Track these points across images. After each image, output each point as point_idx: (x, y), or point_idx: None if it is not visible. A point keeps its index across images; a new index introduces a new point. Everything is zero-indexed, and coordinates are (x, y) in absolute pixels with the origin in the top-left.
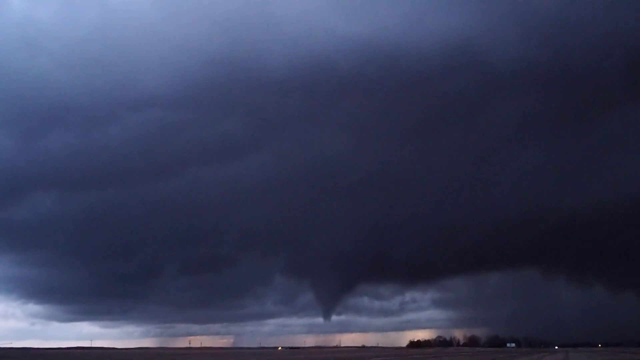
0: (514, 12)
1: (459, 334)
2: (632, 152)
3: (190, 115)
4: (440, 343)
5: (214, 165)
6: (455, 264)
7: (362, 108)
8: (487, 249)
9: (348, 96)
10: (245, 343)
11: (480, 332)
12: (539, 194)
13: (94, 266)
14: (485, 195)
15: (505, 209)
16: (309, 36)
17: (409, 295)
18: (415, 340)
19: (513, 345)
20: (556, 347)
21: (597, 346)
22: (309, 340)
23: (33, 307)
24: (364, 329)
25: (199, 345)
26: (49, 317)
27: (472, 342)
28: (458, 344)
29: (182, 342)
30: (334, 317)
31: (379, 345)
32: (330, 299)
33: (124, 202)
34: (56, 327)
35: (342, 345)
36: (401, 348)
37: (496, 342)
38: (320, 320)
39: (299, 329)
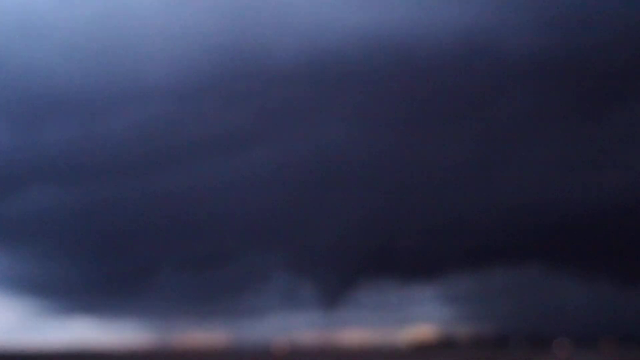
0: (528, 2)
1: (461, 330)
2: None
3: (193, 106)
4: (442, 338)
5: (216, 158)
6: (459, 258)
7: (369, 99)
8: (492, 242)
9: (356, 87)
10: (244, 339)
11: (484, 329)
12: (547, 186)
13: (90, 261)
14: (491, 188)
15: (512, 201)
16: (318, 27)
17: (411, 290)
18: (417, 335)
19: (517, 340)
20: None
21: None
22: (310, 336)
23: (28, 303)
24: (366, 325)
25: (197, 342)
26: (44, 313)
27: (475, 337)
28: (461, 340)
29: (180, 339)
30: (335, 313)
31: (381, 341)
32: (331, 293)
33: (122, 196)
34: (51, 323)
35: (342, 341)
36: (402, 343)
37: (500, 338)
38: (321, 316)
39: (299, 325)
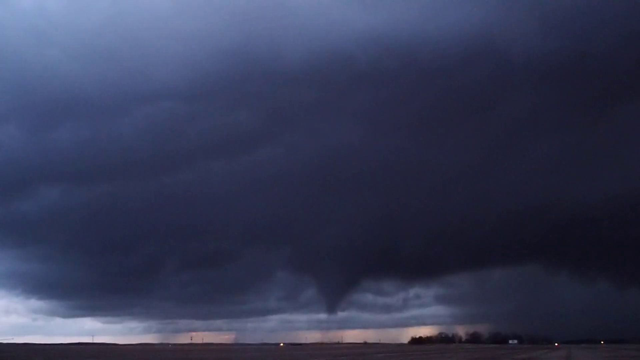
0: (532, 4)
1: (461, 331)
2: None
3: (202, 107)
4: (442, 339)
5: (223, 158)
6: (459, 260)
7: (375, 100)
8: (491, 244)
9: (362, 88)
10: (247, 339)
11: (483, 329)
12: (545, 188)
13: (97, 261)
14: (491, 190)
15: (511, 203)
16: (327, 29)
17: (412, 292)
18: (417, 336)
19: (515, 341)
20: (556, 344)
21: (599, 343)
22: (311, 337)
23: (35, 303)
24: (366, 326)
25: (200, 342)
26: (51, 313)
27: (474, 338)
28: (460, 341)
29: (184, 338)
30: (337, 313)
31: (381, 341)
32: (334, 294)
33: (128, 196)
34: (58, 322)
35: (343, 341)
36: (403, 344)
37: (498, 339)
38: (323, 316)
39: (301, 325)
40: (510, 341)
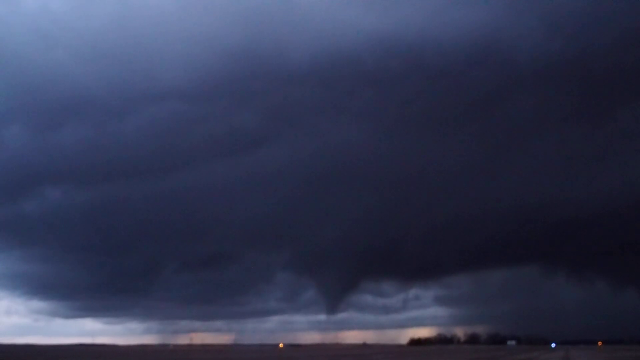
0: (537, 6)
1: (459, 332)
2: None
3: (206, 107)
4: (441, 340)
5: (226, 159)
6: (458, 261)
7: (380, 101)
8: (490, 245)
9: (367, 89)
10: (246, 340)
11: (481, 330)
12: (545, 189)
13: (98, 262)
14: (492, 191)
15: (511, 204)
16: (332, 29)
17: (411, 293)
18: (416, 337)
19: (514, 342)
20: (553, 345)
21: (597, 343)
22: (311, 338)
23: (37, 304)
24: (366, 327)
25: (200, 342)
26: (52, 314)
27: (472, 339)
28: (459, 342)
29: (184, 339)
30: (338, 315)
31: (380, 342)
32: (334, 295)
33: (131, 197)
34: (59, 323)
35: (342, 342)
36: (402, 345)
37: (497, 340)
38: (322, 317)
39: (301, 326)
40: (508, 342)
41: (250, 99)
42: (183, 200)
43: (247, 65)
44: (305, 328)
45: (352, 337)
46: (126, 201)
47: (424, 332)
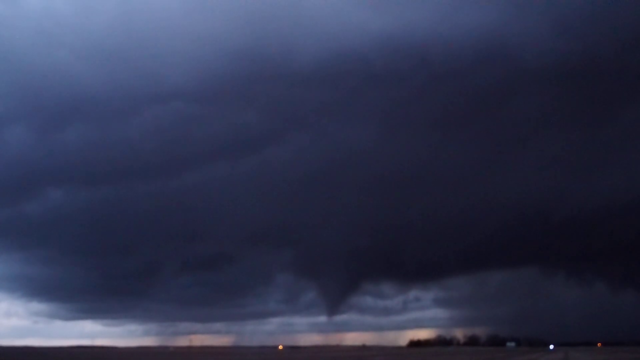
0: (545, 7)
1: (459, 333)
2: None
3: (211, 108)
4: (440, 342)
5: (228, 160)
6: (458, 262)
7: (385, 101)
8: (491, 246)
9: (373, 89)
10: (246, 342)
11: (481, 331)
12: (546, 191)
13: (97, 263)
14: (493, 192)
15: (512, 206)
16: (338, 31)
17: (411, 294)
18: (416, 339)
19: (513, 344)
20: (551, 347)
21: (597, 345)
22: (311, 339)
23: (36, 306)
24: (366, 328)
25: (200, 344)
26: (52, 316)
27: (472, 341)
28: (458, 344)
29: (183, 341)
30: (338, 317)
31: (380, 344)
32: (335, 296)
33: (132, 198)
34: (59, 325)
35: (342, 344)
36: (402, 347)
37: (496, 341)
38: (322, 319)
39: (301, 328)
40: (508, 344)
41: (254, 99)
42: (184, 201)
43: (253, 66)
44: (305, 330)
45: (351, 339)
46: (127, 202)
47: (423, 334)
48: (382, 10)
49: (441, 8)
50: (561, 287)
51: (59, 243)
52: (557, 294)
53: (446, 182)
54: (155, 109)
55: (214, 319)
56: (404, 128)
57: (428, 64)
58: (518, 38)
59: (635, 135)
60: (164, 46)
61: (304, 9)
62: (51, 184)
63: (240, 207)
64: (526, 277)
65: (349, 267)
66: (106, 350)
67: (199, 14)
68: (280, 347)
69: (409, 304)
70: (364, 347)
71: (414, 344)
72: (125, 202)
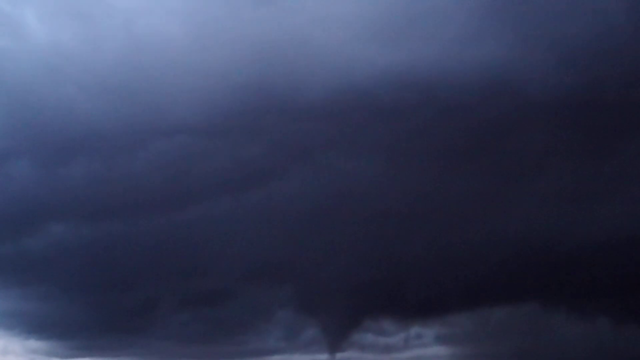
0: (551, 43)
1: None
2: None
3: (216, 142)
4: None
5: (231, 194)
6: (459, 298)
7: (391, 135)
8: (492, 282)
9: (378, 123)
10: None
11: None
12: (549, 226)
13: (96, 300)
14: (496, 227)
15: (513, 240)
16: (348, 66)
17: (413, 331)
18: None
19: None
20: None
21: None
22: None
23: (33, 343)
24: None
25: None
26: (49, 353)
27: None
28: None
29: None
30: (338, 355)
31: None
32: (336, 332)
33: (134, 233)
34: None
35: None
36: None
37: None
38: (323, 356)
39: None
40: None
41: (260, 133)
42: (185, 236)
43: (259, 101)
44: None
45: None
46: (129, 237)
47: None
48: (389, 46)
49: (448, 44)
50: (563, 322)
51: (58, 279)
52: (559, 330)
53: (449, 215)
54: (161, 143)
55: (214, 356)
56: (409, 162)
57: (434, 99)
58: (524, 73)
59: (637, 169)
60: (170, 80)
61: (311, 44)
62: (53, 219)
63: (241, 241)
64: (528, 312)
65: (350, 302)
66: None
67: (205, 48)
68: None
69: (411, 340)
70: None
71: None
72: (127, 237)
